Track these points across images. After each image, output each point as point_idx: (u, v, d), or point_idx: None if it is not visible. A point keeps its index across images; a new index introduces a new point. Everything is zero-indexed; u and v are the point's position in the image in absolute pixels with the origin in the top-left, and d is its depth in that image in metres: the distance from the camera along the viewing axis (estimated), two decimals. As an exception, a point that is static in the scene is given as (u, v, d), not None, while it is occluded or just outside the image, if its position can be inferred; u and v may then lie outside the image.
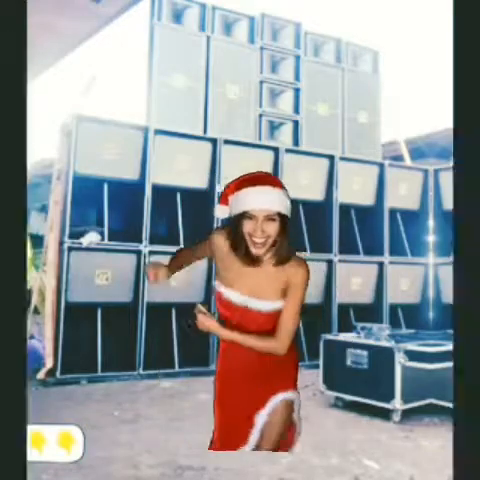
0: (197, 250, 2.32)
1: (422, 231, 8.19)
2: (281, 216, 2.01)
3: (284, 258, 2.07)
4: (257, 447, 2.15)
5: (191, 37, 6.95)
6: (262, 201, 1.99)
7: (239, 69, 7.21)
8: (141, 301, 6.12)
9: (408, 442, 4.14)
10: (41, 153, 9.49)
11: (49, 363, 5.69)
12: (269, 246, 2.03)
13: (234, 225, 2.04)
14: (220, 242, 2.14)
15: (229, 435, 2.20)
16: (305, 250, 6.99)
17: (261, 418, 2.14)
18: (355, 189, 7.61)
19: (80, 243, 5.87)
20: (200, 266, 6.26)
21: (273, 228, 2.00)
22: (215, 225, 6.24)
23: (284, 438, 2.20)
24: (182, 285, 6.23)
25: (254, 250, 2.03)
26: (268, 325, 2.10)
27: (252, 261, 2.07)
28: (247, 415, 2.14)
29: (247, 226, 2.00)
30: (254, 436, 2.14)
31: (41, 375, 5.65)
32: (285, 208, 2.02)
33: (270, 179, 2.08)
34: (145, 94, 6.71)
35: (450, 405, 4.29)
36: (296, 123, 7.58)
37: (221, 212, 2.11)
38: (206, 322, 2.08)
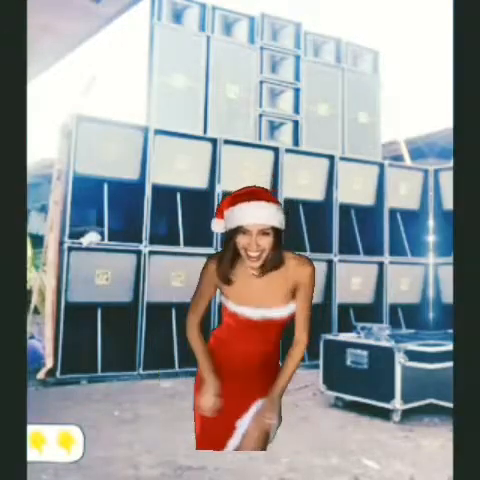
0: (207, 293, 2.23)
1: (422, 231, 8.19)
2: (275, 230, 2.06)
3: (270, 268, 2.11)
4: (237, 450, 2.18)
5: (191, 37, 6.95)
6: (256, 216, 2.04)
7: (239, 69, 7.21)
8: (141, 301, 6.12)
9: (408, 442, 4.14)
10: (41, 153, 9.51)
11: (49, 363, 5.69)
12: (264, 259, 2.07)
13: (229, 239, 2.09)
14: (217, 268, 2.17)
15: (210, 438, 2.21)
16: (305, 250, 6.99)
17: (243, 424, 2.16)
18: (355, 189, 7.61)
19: (80, 243, 5.87)
20: (200, 266, 6.27)
21: (267, 242, 2.04)
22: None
23: (264, 444, 2.19)
24: (182, 285, 6.23)
25: (250, 263, 2.07)
26: (283, 327, 2.19)
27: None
28: (229, 419, 2.16)
29: (242, 240, 2.05)
30: (234, 441, 2.17)
31: (41, 375, 5.65)
32: (279, 222, 2.07)
33: (264, 194, 2.12)
34: (145, 94, 6.71)
35: (450, 405, 4.29)
36: (296, 123, 7.58)
37: (217, 227, 2.16)
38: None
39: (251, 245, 2.03)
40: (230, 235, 2.08)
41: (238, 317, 2.16)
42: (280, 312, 2.14)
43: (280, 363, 2.25)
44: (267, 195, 2.12)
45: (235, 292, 2.15)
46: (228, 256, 2.11)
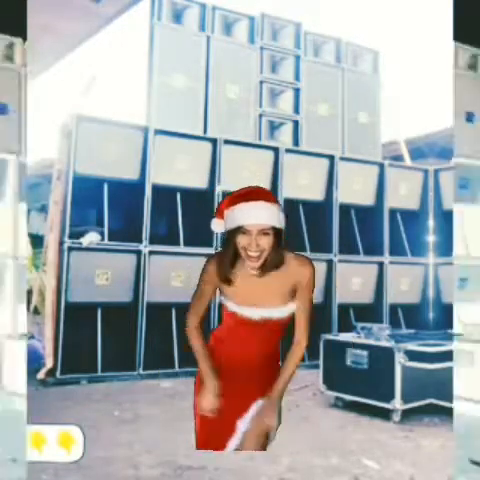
0: (206, 295, 2.23)
1: (422, 231, 8.19)
2: (275, 229, 2.05)
3: (270, 268, 2.10)
4: (237, 450, 2.18)
5: (191, 37, 6.95)
6: (256, 216, 2.03)
7: (239, 69, 7.21)
8: (141, 301, 6.12)
9: (408, 442, 4.14)
10: (41, 153, 9.50)
11: (49, 363, 5.69)
12: (264, 259, 2.06)
13: (228, 239, 2.09)
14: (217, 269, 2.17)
15: (210, 438, 2.21)
16: (305, 250, 6.99)
17: (243, 424, 2.15)
18: (355, 189, 7.61)
19: (80, 243, 5.87)
20: (200, 266, 6.27)
21: (267, 242, 2.04)
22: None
23: (264, 444, 2.19)
24: (182, 285, 6.23)
25: (249, 263, 2.07)
26: (283, 327, 2.18)
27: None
28: (230, 419, 2.16)
29: (242, 240, 2.05)
30: (234, 441, 2.16)
31: (41, 375, 5.65)
32: (278, 222, 2.06)
33: (263, 194, 2.12)
34: (145, 94, 6.72)
35: (450, 405, 4.29)
36: (296, 123, 7.58)
37: (217, 226, 2.17)
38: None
39: (251, 245, 2.03)
40: (230, 235, 2.08)
41: (237, 317, 2.15)
42: (279, 312, 2.14)
43: (280, 363, 2.25)
44: (267, 195, 2.12)
45: (235, 292, 2.14)
46: (228, 256, 2.11)
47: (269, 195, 2.13)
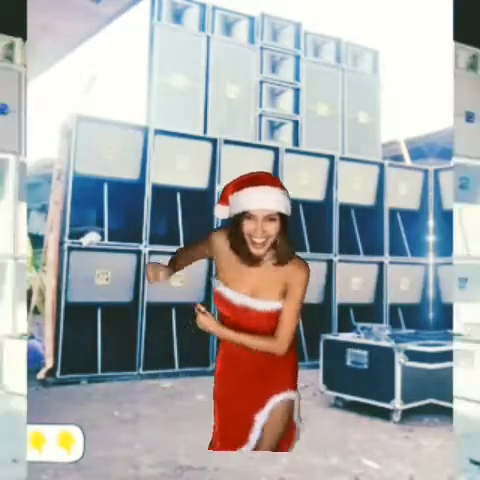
0: (197, 250, 2.30)
1: (422, 231, 8.19)
2: (281, 216, 2.01)
3: (285, 257, 2.06)
4: (257, 447, 2.15)
5: (191, 37, 6.95)
6: (262, 201, 1.98)
7: (239, 69, 7.21)
8: (141, 301, 6.12)
9: (408, 442, 4.14)
10: (41, 153, 9.51)
11: (49, 363, 5.69)
12: (269, 246, 2.03)
13: (234, 225, 2.04)
14: (220, 242, 2.13)
15: (229, 435, 2.20)
16: (305, 250, 6.99)
17: (261, 418, 2.14)
18: (355, 189, 7.61)
19: (80, 243, 5.87)
20: (200, 266, 6.27)
21: (273, 228, 2.00)
22: (215, 225, 6.24)
23: (283, 438, 2.20)
24: (182, 285, 6.24)
25: (254, 250, 2.02)
26: (267, 325, 2.09)
27: (252, 261, 2.07)
28: (247, 415, 2.14)
29: (247, 226, 2.00)
30: (254, 436, 2.14)
31: (41, 375, 5.65)
32: (285, 208, 2.02)
33: (270, 179, 2.08)
34: (145, 94, 6.72)
35: (450, 405, 4.30)
36: (296, 123, 7.58)
37: (221, 212, 2.11)
38: (205, 322, 2.07)
39: (257, 231, 1.98)
40: (235, 221, 2.03)
41: (221, 298, 2.12)
42: (259, 304, 2.08)
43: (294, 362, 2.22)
44: (274, 180, 2.07)
45: (228, 272, 2.12)
46: (236, 242, 2.05)
47: (276, 180, 2.08)
